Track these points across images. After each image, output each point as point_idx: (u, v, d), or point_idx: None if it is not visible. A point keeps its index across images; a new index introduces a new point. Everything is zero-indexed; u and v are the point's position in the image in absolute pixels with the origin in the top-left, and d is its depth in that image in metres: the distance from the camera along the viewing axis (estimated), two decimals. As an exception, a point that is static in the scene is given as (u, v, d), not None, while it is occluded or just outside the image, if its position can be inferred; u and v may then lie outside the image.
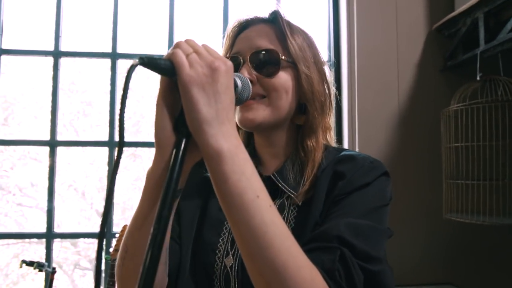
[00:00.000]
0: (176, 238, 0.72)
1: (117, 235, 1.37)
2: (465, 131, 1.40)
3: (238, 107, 0.70)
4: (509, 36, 1.30)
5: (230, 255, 0.68)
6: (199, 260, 0.70)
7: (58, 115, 1.73)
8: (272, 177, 0.71)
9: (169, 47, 1.75)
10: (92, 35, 3.70)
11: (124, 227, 1.32)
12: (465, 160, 1.40)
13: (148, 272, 0.42)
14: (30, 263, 1.47)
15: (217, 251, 0.69)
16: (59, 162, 1.73)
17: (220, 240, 0.70)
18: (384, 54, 1.68)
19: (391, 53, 1.68)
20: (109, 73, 1.76)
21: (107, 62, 1.76)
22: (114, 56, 1.75)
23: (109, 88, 1.75)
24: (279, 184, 0.70)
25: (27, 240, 3.87)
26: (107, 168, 1.76)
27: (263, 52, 0.69)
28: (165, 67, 0.48)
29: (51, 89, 1.73)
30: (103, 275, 1.55)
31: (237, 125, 0.70)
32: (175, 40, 1.77)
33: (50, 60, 1.74)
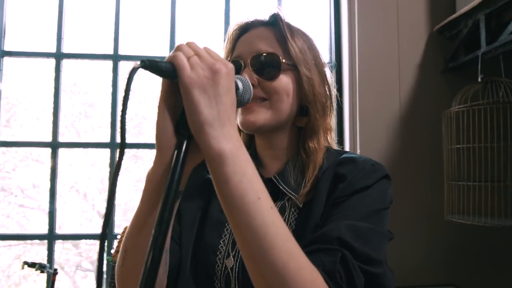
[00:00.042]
0: (176, 239, 0.72)
1: (118, 237, 1.38)
2: (467, 132, 1.40)
3: (239, 110, 0.70)
4: (511, 38, 1.30)
5: (231, 257, 0.68)
6: (199, 261, 0.70)
7: (60, 117, 1.73)
8: (273, 179, 0.72)
9: (170, 48, 1.76)
10: (94, 37, 3.71)
11: (125, 228, 1.32)
12: (467, 162, 1.40)
13: (149, 274, 0.42)
14: (32, 265, 1.47)
15: (218, 253, 0.70)
16: (60, 164, 1.74)
17: (221, 242, 0.70)
18: (385, 55, 1.68)
19: (392, 55, 1.68)
20: (111, 74, 1.77)
21: (109, 64, 1.77)
22: (115, 58, 1.76)
23: (110, 89, 1.76)
24: (280, 186, 0.71)
25: (29, 241, 3.88)
26: (108, 169, 1.77)
27: (264, 56, 0.70)
28: (166, 69, 0.48)
29: (53, 90, 1.73)
30: (104, 276, 1.55)
31: (238, 128, 0.70)
32: (177, 42, 1.77)
33: (52, 61, 1.75)
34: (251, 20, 0.76)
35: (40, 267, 1.47)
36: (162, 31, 1.82)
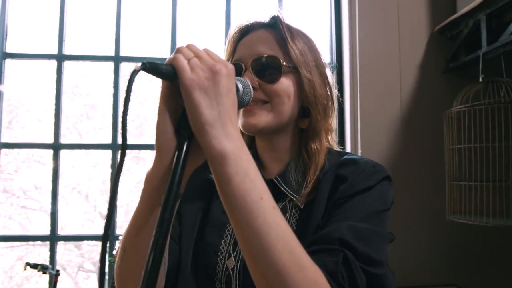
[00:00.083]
0: (175, 239, 0.72)
1: (120, 238, 1.38)
2: (468, 132, 1.40)
3: (241, 113, 0.70)
4: (511, 38, 1.30)
5: (232, 257, 0.68)
6: (200, 261, 0.71)
7: (61, 118, 1.74)
8: (275, 180, 0.72)
9: (171, 50, 1.76)
10: (95, 38, 3.72)
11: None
12: (468, 162, 1.40)
13: (150, 275, 0.43)
14: (34, 266, 1.48)
15: (219, 253, 0.70)
16: (62, 165, 1.74)
17: (223, 242, 0.71)
18: (386, 56, 1.68)
19: (393, 55, 1.68)
20: (112, 76, 1.77)
21: (110, 65, 1.77)
22: (117, 59, 1.76)
23: (112, 91, 1.76)
24: (282, 187, 0.71)
25: (31, 242, 3.89)
26: (110, 170, 1.77)
27: (264, 59, 0.70)
28: (166, 71, 0.48)
29: (54, 92, 1.74)
30: (106, 277, 1.56)
31: (239, 129, 0.70)
32: (178, 43, 1.78)
33: (53, 63, 1.76)
34: (251, 22, 0.76)
35: (42, 268, 1.47)
36: (163, 32, 1.82)
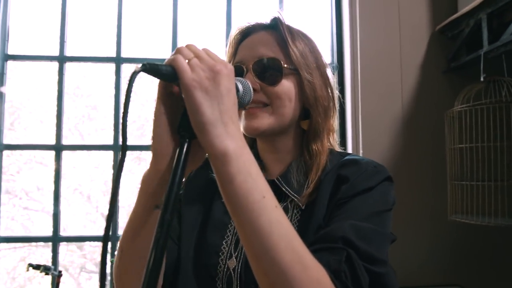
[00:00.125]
0: (174, 239, 0.73)
1: (122, 238, 1.38)
2: (469, 132, 1.40)
3: (243, 116, 0.71)
4: (513, 37, 1.30)
5: (234, 258, 0.69)
6: (201, 261, 0.71)
7: (63, 119, 1.75)
8: (276, 181, 0.72)
9: (172, 51, 1.76)
10: (97, 40, 3.73)
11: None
12: (470, 161, 1.40)
13: (151, 274, 0.43)
14: (36, 267, 1.48)
15: (220, 253, 0.70)
16: (64, 166, 1.75)
17: (224, 243, 0.71)
18: (387, 56, 1.68)
19: (394, 55, 1.68)
20: (114, 77, 1.78)
21: (112, 66, 1.78)
22: (118, 60, 1.77)
23: (113, 92, 1.77)
24: (283, 188, 0.71)
25: (33, 243, 3.89)
26: (112, 171, 1.78)
27: (266, 61, 0.70)
28: (166, 72, 0.49)
29: (56, 93, 1.74)
30: (108, 278, 1.56)
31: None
32: (179, 44, 1.78)
33: (55, 65, 1.76)
34: (252, 24, 0.76)
35: (45, 269, 1.48)
36: (164, 33, 1.83)
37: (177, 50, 0.51)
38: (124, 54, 1.77)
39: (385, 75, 1.67)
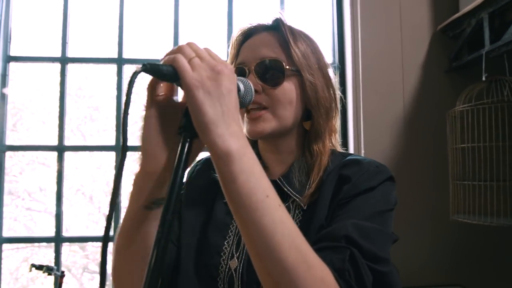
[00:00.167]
0: (173, 240, 0.73)
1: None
2: (471, 132, 1.39)
3: (245, 120, 0.71)
4: (514, 36, 1.30)
5: (235, 258, 0.69)
6: (203, 261, 0.71)
7: (65, 120, 1.75)
8: (278, 181, 0.72)
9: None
10: (98, 41, 3.74)
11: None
12: (472, 161, 1.39)
13: (153, 273, 0.43)
14: (39, 267, 1.49)
15: (222, 253, 0.70)
16: (67, 167, 1.75)
17: (226, 243, 0.71)
18: (388, 56, 1.68)
19: (395, 55, 1.68)
20: (115, 78, 1.78)
21: (113, 67, 1.78)
22: (120, 61, 1.77)
23: (115, 93, 1.77)
24: (285, 188, 0.71)
25: (36, 244, 3.91)
26: (114, 172, 1.78)
27: (267, 62, 0.70)
28: (167, 73, 0.49)
29: (58, 94, 1.75)
30: (110, 279, 1.56)
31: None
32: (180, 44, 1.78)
33: (57, 66, 1.77)
34: (254, 25, 0.76)
35: (48, 270, 1.48)
36: (166, 34, 1.83)
37: (178, 48, 0.51)
38: (125, 55, 1.78)
39: (386, 75, 1.67)
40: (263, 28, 0.76)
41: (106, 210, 4.10)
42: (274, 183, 0.71)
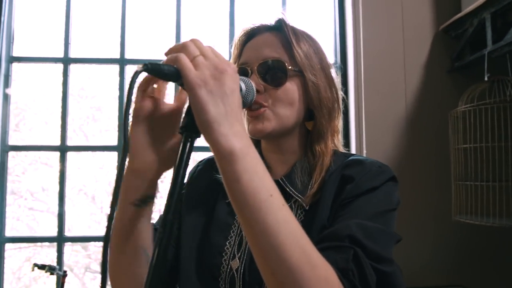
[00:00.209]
0: (172, 241, 0.73)
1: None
2: (474, 132, 1.39)
3: (247, 118, 0.71)
4: (517, 36, 1.29)
5: (237, 258, 0.69)
6: (204, 261, 0.71)
7: (68, 121, 1.75)
8: (280, 181, 0.72)
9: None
10: (101, 41, 3.75)
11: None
12: (474, 162, 1.39)
13: (155, 271, 0.44)
14: (41, 267, 1.49)
15: (223, 254, 0.70)
16: (69, 167, 1.76)
17: (227, 243, 0.71)
18: (390, 56, 1.68)
19: (397, 55, 1.68)
20: (118, 78, 1.79)
21: (116, 68, 1.79)
22: (122, 62, 1.78)
23: (117, 93, 1.78)
24: (287, 188, 0.71)
25: (38, 243, 3.92)
26: (116, 172, 1.78)
27: (270, 62, 0.70)
28: (168, 72, 0.48)
29: (61, 95, 1.75)
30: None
31: None
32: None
33: (60, 66, 1.78)
34: (257, 25, 0.77)
35: (50, 269, 1.49)
36: (168, 34, 1.84)
37: (182, 45, 0.51)
38: (128, 56, 1.78)
39: (388, 75, 1.67)
40: (265, 29, 0.76)
41: (108, 210, 4.11)
42: (276, 183, 0.71)
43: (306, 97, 0.73)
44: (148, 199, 0.60)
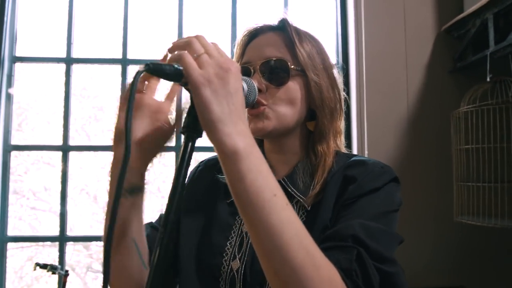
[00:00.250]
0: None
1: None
2: (476, 133, 1.39)
3: (248, 117, 0.71)
4: (519, 37, 1.29)
5: (237, 259, 0.69)
6: (205, 261, 0.71)
7: (70, 120, 1.76)
8: (282, 181, 0.72)
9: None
10: (103, 42, 3.76)
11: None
12: (476, 162, 1.39)
13: (156, 270, 0.44)
14: (43, 266, 1.50)
15: (224, 254, 0.70)
16: (71, 167, 1.76)
17: (228, 244, 0.71)
18: (392, 56, 1.67)
19: (399, 56, 1.68)
20: (120, 78, 1.79)
21: (118, 68, 1.79)
22: (124, 62, 1.78)
23: (120, 93, 1.78)
24: (289, 189, 0.71)
25: (40, 243, 3.93)
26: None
27: (273, 62, 0.70)
28: (170, 72, 0.48)
29: (63, 95, 1.76)
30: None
31: None
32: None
33: (62, 66, 1.78)
34: (260, 25, 0.77)
35: (52, 269, 1.49)
36: (170, 35, 1.84)
37: (187, 42, 0.51)
38: (130, 56, 1.79)
39: (390, 76, 1.67)
40: (269, 28, 0.76)
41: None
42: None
43: (308, 97, 0.72)
44: (135, 189, 0.60)
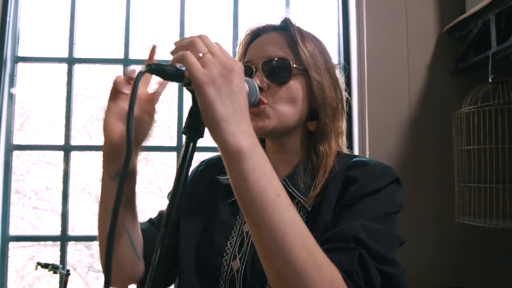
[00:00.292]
0: None
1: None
2: (477, 133, 1.38)
3: (249, 116, 0.71)
4: (521, 38, 1.29)
5: (237, 259, 0.69)
6: (205, 261, 0.71)
7: (72, 120, 1.77)
8: (283, 182, 0.72)
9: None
10: (105, 42, 3.77)
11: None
12: (477, 163, 1.39)
13: (156, 272, 0.44)
14: (45, 265, 1.50)
15: (224, 254, 0.70)
16: (73, 166, 1.77)
17: (228, 244, 0.71)
18: (394, 56, 1.67)
19: (401, 56, 1.67)
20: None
21: (120, 68, 1.80)
22: (126, 62, 1.79)
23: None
24: (289, 189, 0.71)
25: (42, 242, 3.94)
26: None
27: (275, 61, 0.71)
28: (172, 73, 0.48)
29: (65, 95, 1.77)
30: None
31: None
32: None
33: (64, 66, 1.79)
34: (262, 25, 0.77)
35: (53, 268, 1.49)
36: (172, 35, 1.84)
37: (190, 42, 0.51)
38: (132, 56, 1.79)
39: (392, 76, 1.67)
40: (271, 28, 0.76)
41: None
42: (279, 184, 0.72)
43: (310, 96, 0.72)
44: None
